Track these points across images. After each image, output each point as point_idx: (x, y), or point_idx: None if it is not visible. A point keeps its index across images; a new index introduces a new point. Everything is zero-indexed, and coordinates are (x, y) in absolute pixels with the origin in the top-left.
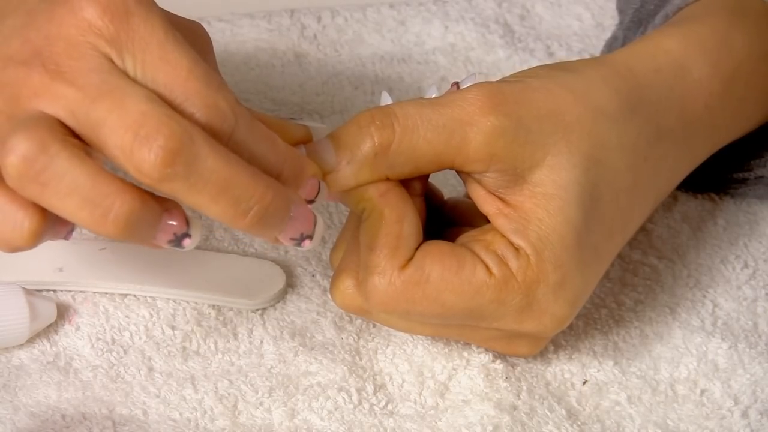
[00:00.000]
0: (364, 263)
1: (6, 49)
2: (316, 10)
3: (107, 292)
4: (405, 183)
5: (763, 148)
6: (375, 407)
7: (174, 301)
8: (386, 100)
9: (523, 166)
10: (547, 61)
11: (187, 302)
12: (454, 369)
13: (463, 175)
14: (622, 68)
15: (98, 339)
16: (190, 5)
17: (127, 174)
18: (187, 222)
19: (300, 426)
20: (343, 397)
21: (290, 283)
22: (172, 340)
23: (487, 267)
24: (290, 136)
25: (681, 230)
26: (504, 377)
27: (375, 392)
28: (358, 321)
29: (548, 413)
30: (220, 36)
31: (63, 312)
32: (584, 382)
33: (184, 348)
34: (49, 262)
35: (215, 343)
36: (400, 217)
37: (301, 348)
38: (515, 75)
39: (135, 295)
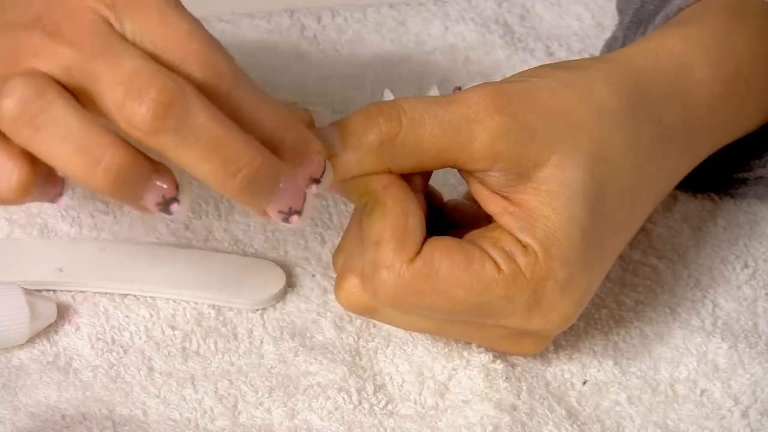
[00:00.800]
0: (371, 259)
1: (8, 14)
2: (316, 10)
3: (107, 292)
4: (406, 178)
5: (763, 148)
6: (375, 407)
7: (174, 301)
8: (388, 97)
9: (528, 165)
10: (547, 61)
11: (187, 302)
12: (454, 369)
13: (465, 174)
14: (624, 67)
15: (98, 339)
16: (190, 5)
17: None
18: (177, 187)
19: (300, 426)
20: (343, 397)
21: (290, 283)
22: (172, 340)
23: (495, 263)
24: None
25: (681, 230)
26: (504, 377)
27: (375, 392)
28: (358, 321)
29: (548, 413)
30: (220, 36)
31: (63, 312)
32: (584, 382)
33: (184, 348)
34: (49, 262)
35: (215, 343)
36: (404, 211)
37: (301, 348)
38: (518, 75)
39: (135, 295)
